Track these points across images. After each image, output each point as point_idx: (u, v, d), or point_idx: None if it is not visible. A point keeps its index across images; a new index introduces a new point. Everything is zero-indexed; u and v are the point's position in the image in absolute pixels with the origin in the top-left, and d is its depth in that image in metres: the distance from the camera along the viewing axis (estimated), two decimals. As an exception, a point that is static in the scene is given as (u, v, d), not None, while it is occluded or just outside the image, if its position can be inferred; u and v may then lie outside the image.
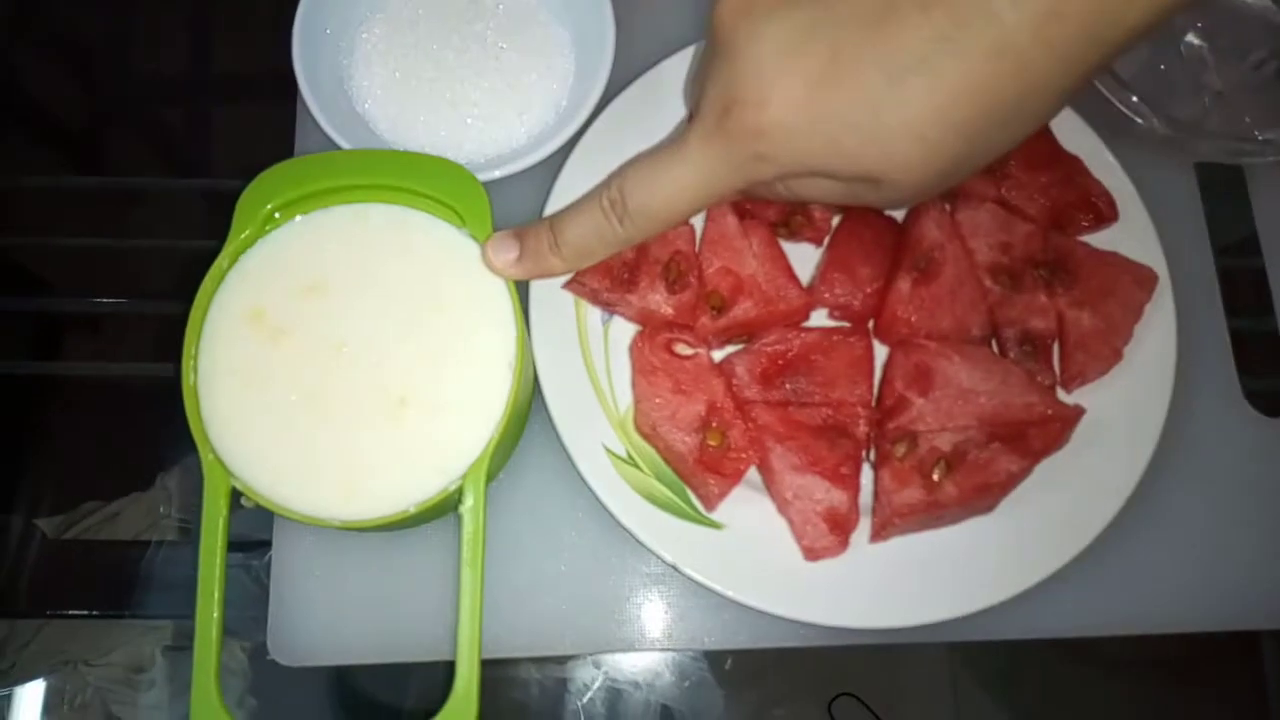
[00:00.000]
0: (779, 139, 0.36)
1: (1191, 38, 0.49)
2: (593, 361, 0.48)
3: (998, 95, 0.34)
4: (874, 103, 0.34)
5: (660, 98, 0.51)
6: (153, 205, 0.57)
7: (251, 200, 0.44)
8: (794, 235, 0.49)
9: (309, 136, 0.52)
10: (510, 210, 0.51)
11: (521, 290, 0.49)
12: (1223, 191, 0.53)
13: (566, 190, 0.49)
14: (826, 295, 0.48)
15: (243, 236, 0.44)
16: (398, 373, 0.43)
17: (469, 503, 0.40)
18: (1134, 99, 0.48)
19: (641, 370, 0.46)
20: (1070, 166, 0.49)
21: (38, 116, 0.60)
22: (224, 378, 0.42)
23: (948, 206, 0.49)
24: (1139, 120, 0.49)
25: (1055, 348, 0.48)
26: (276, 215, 0.45)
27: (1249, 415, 0.49)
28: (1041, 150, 0.49)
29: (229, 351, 0.43)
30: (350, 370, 0.43)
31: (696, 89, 0.41)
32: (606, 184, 0.42)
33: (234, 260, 0.44)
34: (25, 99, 0.60)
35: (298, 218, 0.45)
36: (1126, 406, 0.46)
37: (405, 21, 0.51)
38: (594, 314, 0.49)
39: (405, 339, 0.43)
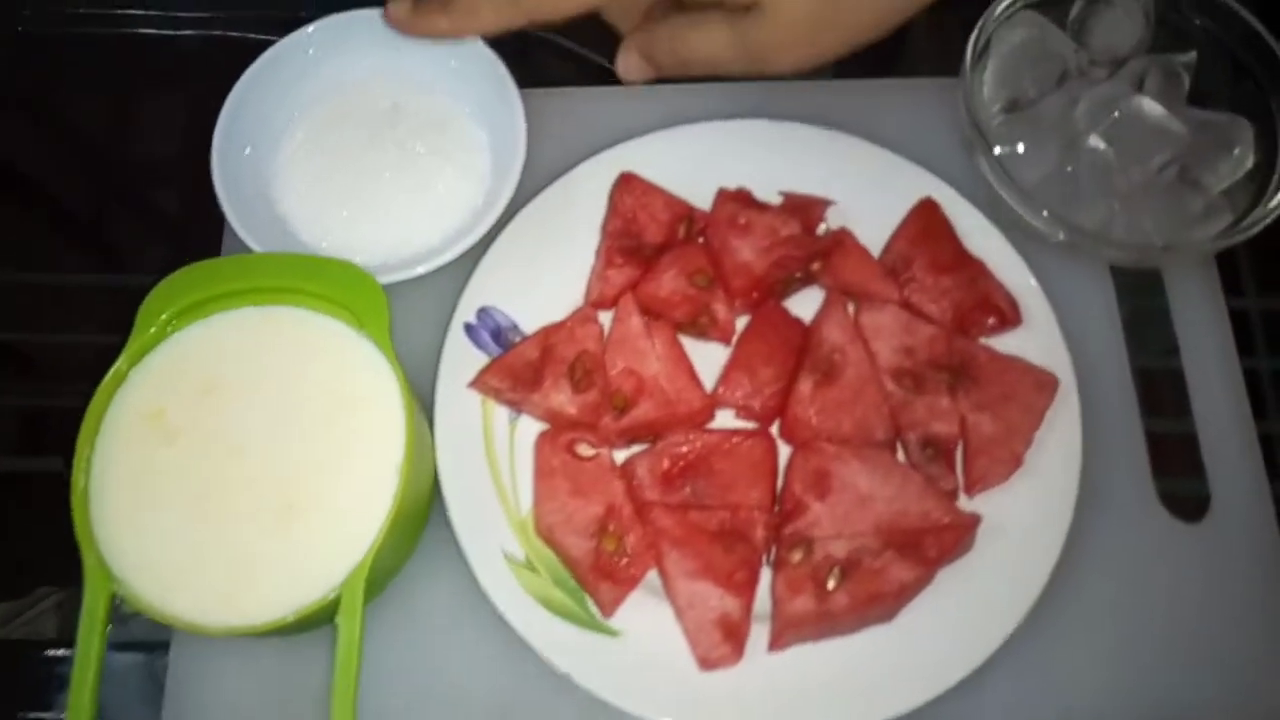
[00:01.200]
0: None
1: (1095, 141, 0.49)
2: (497, 461, 0.48)
3: None
4: None
5: (573, 199, 0.52)
6: (71, 300, 0.58)
7: (155, 304, 0.45)
8: (700, 335, 0.50)
9: (235, 234, 0.53)
10: (424, 309, 0.52)
11: (427, 389, 0.49)
12: (1141, 289, 0.53)
13: (479, 291, 0.50)
14: (728, 396, 0.48)
15: (145, 338, 0.45)
16: (288, 475, 0.43)
17: (345, 611, 0.40)
18: (1044, 213, 0.48)
19: (541, 472, 0.46)
20: (974, 269, 0.49)
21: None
22: (117, 478, 0.43)
23: (851, 309, 0.49)
24: (1042, 229, 0.49)
25: (960, 452, 0.47)
26: (180, 318, 0.45)
27: (1165, 521, 0.49)
28: (946, 253, 0.49)
29: (124, 452, 0.43)
30: (242, 472, 0.43)
31: None
32: None
33: (135, 361, 0.45)
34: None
35: (201, 319, 0.45)
36: (1030, 513, 0.46)
37: (328, 126, 0.53)
38: (501, 412, 0.49)
39: (297, 441, 0.43)
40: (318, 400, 0.44)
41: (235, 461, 0.43)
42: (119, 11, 0.63)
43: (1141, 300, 0.53)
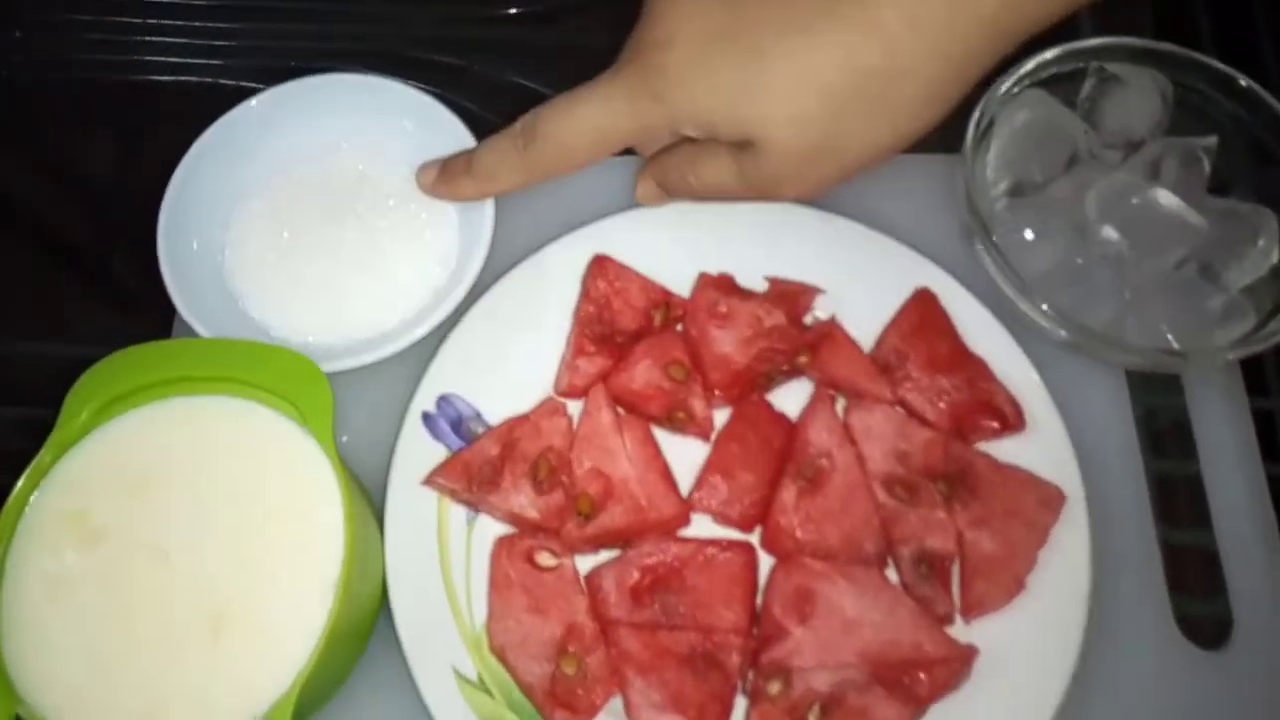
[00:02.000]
0: (674, 80, 0.39)
1: (1108, 232, 0.46)
2: (450, 567, 0.44)
3: (865, 67, 0.36)
4: (759, 56, 0.37)
5: (544, 281, 0.48)
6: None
7: (84, 391, 0.42)
8: (677, 430, 0.46)
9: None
10: (379, 395, 0.48)
11: (379, 482, 0.45)
12: (1156, 388, 0.49)
13: (439, 377, 0.46)
14: (705, 502, 0.44)
15: (71, 428, 0.41)
16: (217, 586, 0.39)
17: (268, 748, 0.36)
18: (1044, 306, 0.44)
19: (497, 584, 0.43)
20: (974, 368, 0.45)
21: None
22: (30, 584, 0.39)
23: (840, 408, 0.45)
24: (1046, 326, 0.45)
25: (956, 569, 0.43)
26: (110, 407, 0.42)
27: (1183, 649, 0.44)
28: (943, 349, 0.46)
29: (41, 555, 0.40)
30: (168, 580, 0.39)
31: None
32: (526, 114, 0.44)
33: (58, 455, 0.41)
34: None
35: (133, 409, 0.42)
36: (1033, 642, 0.41)
37: (286, 198, 0.49)
38: (458, 510, 0.45)
39: (229, 547, 0.40)
40: (254, 502, 0.40)
41: (161, 569, 0.39)
42: (98, 58, 0.60)
43: (1156, 399, 0.49)
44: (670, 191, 0.46)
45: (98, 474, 0.41)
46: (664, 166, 0.45)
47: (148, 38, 0.61)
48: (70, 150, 0.60)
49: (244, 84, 0.56)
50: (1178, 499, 0.48)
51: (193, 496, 0.40)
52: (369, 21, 0.60)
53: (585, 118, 0.41)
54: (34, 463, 0.41)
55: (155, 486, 0.41)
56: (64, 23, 0.61)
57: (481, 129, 0.48)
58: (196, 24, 0.61)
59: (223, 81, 0.58)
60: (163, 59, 0.60)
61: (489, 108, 0.54)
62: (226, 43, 0.60)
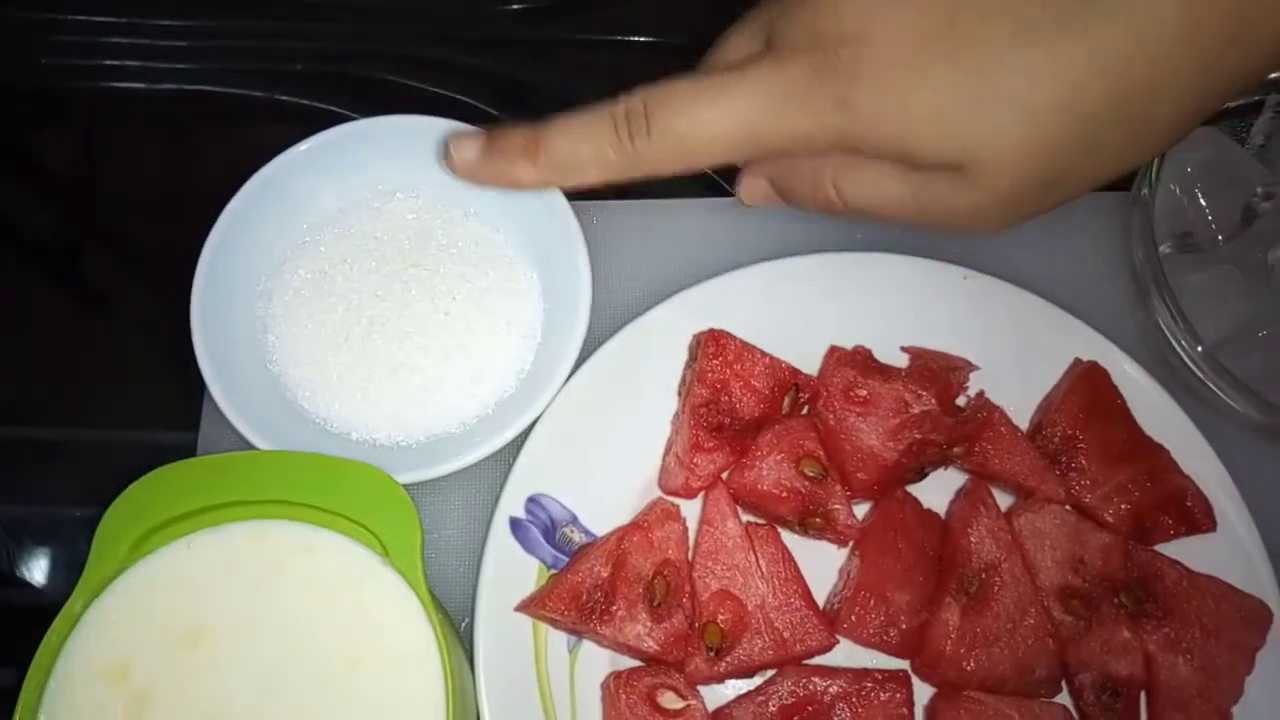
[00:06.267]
0: (872, 84, 0.31)
1: (1298, 297, 0.40)
2: (553, 706, 0.38)
3: (1126, 81, 0.29)
4: (992, 65, 0.30)
5: (644, 355, 0.42)
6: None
7: (117, 522, 0.35)
8: (812, 536, 0.40)
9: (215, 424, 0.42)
10: (457, 499, 0.42)
11: (461, 604, 0.39)
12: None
13: (527, 476, 0.40)
14: (857, 631, 0.38)
15: (104, 567, 0.34)
16: (289, 759, 0.32)
17: None
18: (1215, 376, 0.38)
19: (615, 729, 0.36)
20: (1155, 458, 0.39)
21: None
22: (65, 764, 0.32)
23: (1002, 511, 0.39)
24: (1230, 402, 0.39)
25: (1144, 700, 0.38)
26: (149, 539, 0.35)
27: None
28: (1120, 436, 0.40)
29: (76, 723, 0.33)
30: (229, 754, 0.33)
31: (762, 22, 0.35)
32: (629, 94, 0.35)
33: (91, 599, 0.34)
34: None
35: (174, 542, 0.35)
36: (1241, 786, 0.36)
37: (335, 260, 0.42)
38: (558, 639, 0.39)
39: (303, 709, 0.33)
40: (329, 653, 0.34)
41: (220, 738, 0.33)
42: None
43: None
44: (792, 199, 0.38)
45: (138, 622, 0.34)
46: (793, 166, 0.36)
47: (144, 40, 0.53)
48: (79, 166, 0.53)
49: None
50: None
51: (251, 648, 0.34)
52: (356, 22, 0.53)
53: (726, 113, 0.33)
54: (62, 611, 0.34)
55: (209, 637, 0.34)
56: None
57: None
58: (193, 23, 0.53)
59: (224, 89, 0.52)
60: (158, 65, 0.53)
61: (507, 109, 0.49)
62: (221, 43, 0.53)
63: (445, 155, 0.37)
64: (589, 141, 0.35)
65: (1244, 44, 0.29)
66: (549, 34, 0.53)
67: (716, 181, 0.46)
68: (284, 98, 0.51)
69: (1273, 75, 0.42)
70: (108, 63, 0.52)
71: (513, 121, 0.48)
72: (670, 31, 0.52)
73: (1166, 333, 0.40)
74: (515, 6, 0.54)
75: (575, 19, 0.53)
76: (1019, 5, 0.30)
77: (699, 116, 0.33)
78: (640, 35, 0.53)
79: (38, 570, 0.45)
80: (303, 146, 0.41)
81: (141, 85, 0.52)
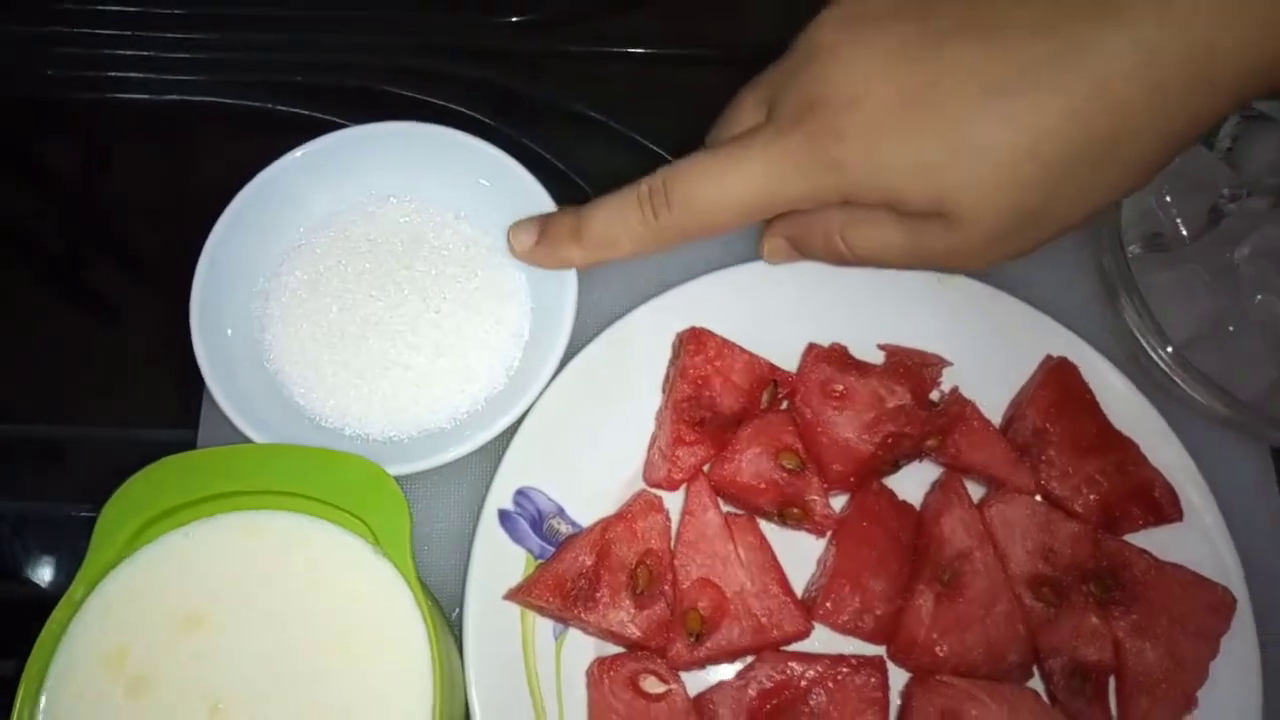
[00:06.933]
0: (860, 145, 0.34)
1: (1266, 296, 0.41)
2: (540, 693, 0.39)
3: (1090, 127, 0.32)
4: (966, 119, 0.33)
5: (629, 353, 0.43)
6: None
7: (117, 511, 0.36)
8: (790, 526, 0.41)
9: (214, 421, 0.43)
10: (447, 492, 0.43)
11: (451, 591, 0.40)
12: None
13: (516, 469, 0.41)
14: (834, 617, 0.39)
15: (105, 556, 0.35)
16: (283, 741, 0.34)
17: None
18: (1183, 373, 0.40)
19: (597, 714, 0.37)
20: (1124, 450, 0.41)
21: None
22: (65, 744, 0.33)
23: (974, 502, 0.40)
24: (1198, 397, 0.40)
25: (1113, 684, 0.39)
26: (148, 529, 0.36)
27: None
28: (1090, 429, 0.41)
29: (76, 706, 0.34)
30: (224, 736, 0.34)
31: (764, 94, 0.38)
32: (650, 175, 0.39)
33: (91, 587, 0.35)
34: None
35: (172, 531, 0.36)
36: (1207, 766, 0.37)
37: (330, 262, 0.43)
38: (544, 627, 0.40)
39: (297, 692, 0.34)
40: (322, 638, 0.35)
41: (217, 720, 0.34)
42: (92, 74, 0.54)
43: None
44: (808, 253, 0.41)
45: (139, 609, 0.35)
46: (806, 225, 0.40)
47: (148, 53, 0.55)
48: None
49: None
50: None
51: (247, 632, 0.35)
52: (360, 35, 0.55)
53: (741, 183, 0.36)
54: (64, 597, 0.35)
55: (205, 623, 0.35)
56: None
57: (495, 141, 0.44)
58: (196, 36, 0.55)
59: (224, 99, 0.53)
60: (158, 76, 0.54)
61: (504, 120, 0.51)
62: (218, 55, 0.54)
63: (508, 242, 0.42)
64: (620, 220, 0.39)
65: (1203, 90, 0.31)
66: (546, 46, 0.55)
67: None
68: (285, 108, 0.53)
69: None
70: (112, 74, 0.54)
71: (509, 130, 0.51)
72: (666, 43, 0.54)
73: (1136, 331, 0.42)
74: (514, 19, 0.55)
75: (572, 31, 0.55)
76: (992, 64, 0.32)
77: (713, 191, 0.37)
78: (637, 47, 0.54)
79: (39, 566, 0.46)
80: (298, 152, 0.43)
81: (145, 96, 0.54)
